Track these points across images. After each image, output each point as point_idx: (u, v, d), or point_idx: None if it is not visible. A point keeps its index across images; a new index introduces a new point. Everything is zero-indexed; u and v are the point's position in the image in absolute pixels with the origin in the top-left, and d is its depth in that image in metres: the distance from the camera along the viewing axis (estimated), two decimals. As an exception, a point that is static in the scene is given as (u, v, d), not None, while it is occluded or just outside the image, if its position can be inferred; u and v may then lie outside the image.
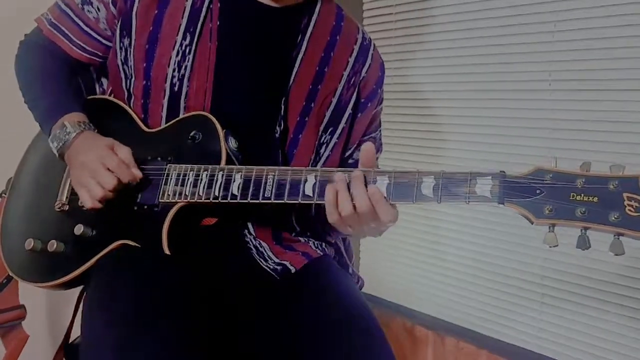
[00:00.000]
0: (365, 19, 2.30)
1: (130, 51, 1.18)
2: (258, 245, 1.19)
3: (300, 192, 1.01)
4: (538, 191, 0.89)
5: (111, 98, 1.25)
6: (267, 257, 1.18)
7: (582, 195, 0.86)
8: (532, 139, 1.77)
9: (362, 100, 1.26)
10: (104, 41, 1.22)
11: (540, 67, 1.74)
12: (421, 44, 2.08)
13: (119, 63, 1.21)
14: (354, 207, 0.98)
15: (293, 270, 1.18)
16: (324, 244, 1.28)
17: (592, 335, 1.70)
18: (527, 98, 1.78)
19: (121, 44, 1.19)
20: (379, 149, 1.35)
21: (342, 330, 1.08)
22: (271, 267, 1.17)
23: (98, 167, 1.08)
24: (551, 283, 1.78)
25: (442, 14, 2.00)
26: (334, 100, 1.22)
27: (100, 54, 1.24)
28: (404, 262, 2.21)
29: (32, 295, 1.51)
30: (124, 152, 1.10)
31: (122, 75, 1.21)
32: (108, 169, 1.08)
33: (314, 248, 1.25)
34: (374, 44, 1.30)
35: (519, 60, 1.79)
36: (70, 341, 1.27)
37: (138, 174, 1.10)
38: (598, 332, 1.69)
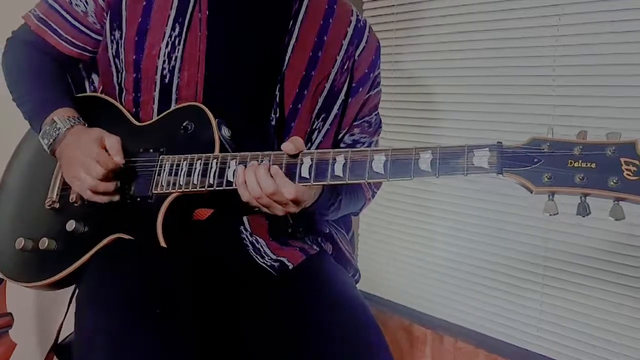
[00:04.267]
0: (366, 3, 2.33)
1: (121, 44, 1.17)
2: (254, 242, 1.18)
3: (297, 174, 1.01)
4: (536, 160, 0.89)
5: (101, 95, 1.24)
6: (263, 254, 1.17)
7: (580, 162, 0.87)
8: (534, 117, 1.78)
9: (354, 84, 1.25)
10: (93, 35, 1.21)
11: (544, 60, 1.76)
12: (422, 36, 2.10)
13: (110, 57, 1.20)
14: (260, 187, 1.00)
15: (291, 267, 1.17)
16: (319, 239, 1.26)
17: (593, 335, 1.69)
18: (530, 93, 1.80)
19: (112, 37, 1.19)
20: (376, 131, 1.35)
21: (339, 328, 1.07)
22: (268, 263, 1.16)
23: (85, 159, 1.08)
24: (551, 282, 1.77)
25: (443, 6, 2.02)
26: (327, 86, 1.22)
27: (90, 48, 1.23)
28: (401, 260, 2.21)
29: (19, 302, 1.49)
30: (112, 141, 1.10)
31: (114, 70, 1.20)
32: (94, 160, 1.08)
33: (310, 244, 1.24)
34: (370, 26, 1.29)
35: (523, 53, 1.81)
36: (60, 341, 1.24)
37: (120, 160, 1.09)
38: (599, 333, 1.68)
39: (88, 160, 1.08)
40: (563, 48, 1.71)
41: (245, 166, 1.03)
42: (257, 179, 1.00)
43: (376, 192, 1.35)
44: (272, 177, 1.00)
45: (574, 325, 1.73)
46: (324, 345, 1.04)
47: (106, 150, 1.10)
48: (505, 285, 1.89)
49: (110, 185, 1.10)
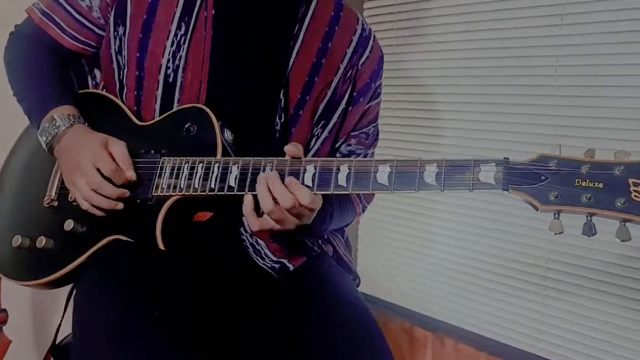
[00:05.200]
0: (366, 2, 2.30)
1: (124, 40, 1.16)
2: (255, 244, 1.17)
3: (300, 182, 0.99)
4: (543, 177, 0.87)
5: (102, 92, 1.23)
6: (264, 256, 1.16)
7: (588, 181, 0.85)
8: (536, 126, 1.77)
9: (355, 94, 1.24)
10: (96, 30, 1.20)
11: (546, 60, 1.74)
12: (423, 36, 2.09)
13: (113, 53, 1.18)
14: (275, 201, 0.98)
15: (291, 268, 1.16)
16: (320, 241, 1.26)
17: (596, 338, 1.68)
18: (532, 93, 1.78)
19: (115, 33, 1.17)
20: (373, 144, 1.34)
21: (340, 328, 1.07)
22: (269, 265, 1.16)
23: (92, 172, 1.06)
24: (553, 284, 1.76)
25: (445, 5, 2.00)
26: (329, 94, 1.21)
27: (93, 44, 1.21)
28: (402, 261, 2.20)
29: (14, 298, 1.48)
30: (119, 151, 1.08)
31: (115, 66, 1.19)
32: (102, 174, 1.07)
33: (311, 245, 1.23)
34: (374, 36, 1.28)
35: (524, 52, 1.79)
36: (58, 342, 1.23)
37: (132, 177, 1.08)
38: (603, 335, 1.67)
39: (94, 175, 1.07)
40: (566, 48, 1.70)
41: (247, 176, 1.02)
42: (272, 195, 0.98)
43: (367, 207, 1.33)
44: (290, 191, 0.98)
45: (575, 328, 1.72)
46: (326, 347, 1.04)
47: (111, 157, 1.08)
48: (507, 287, 1.88)
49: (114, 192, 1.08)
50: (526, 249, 1.82)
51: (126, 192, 1.08)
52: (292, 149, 1.01)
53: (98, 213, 1.08)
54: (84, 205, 1.08)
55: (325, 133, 1.23)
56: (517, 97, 1.82)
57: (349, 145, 1.28)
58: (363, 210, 1.33)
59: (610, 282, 1.64)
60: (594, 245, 1.65)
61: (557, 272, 1.75)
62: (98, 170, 1.07)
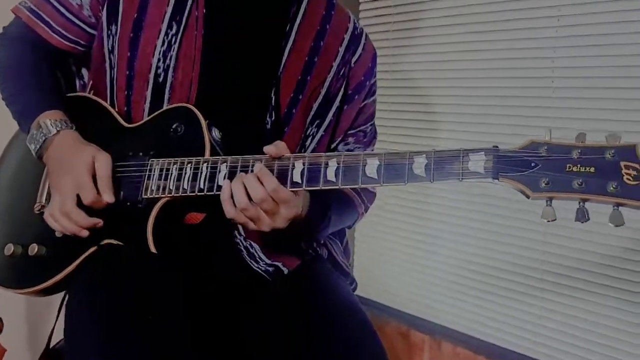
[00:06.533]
0: (362, 3, 2.31)
1: (116, 39, 1.16)
2: (249, 246, 1.16)
3: (289, 179, 0.99)
4: (533, 164, 0.87)
5: (89, 95, 1.22)
6: (258, 259, 1.15)
7: (579, 166, 0.85)
8: (533, 128, 1.76)
9: (350, 92, 1.25)
10: (87, 29, 1.19)
11: (543, 62, 1.74)
12: (418, 37, 2.09)
13: (106, 52, 1.18)
14: (249, 197, 0.98)
15: (286, 271, 1.15)
16: (315, 244, 1.25)
17: (594, 341, 1.67)
18: (529, 95, 1.78)
19: (109, 32, 1.17)
20: (371, 142, 1.34)
21: (335, 332, 1.06)
22: (263, 268, 1.15)
23: (70, 202, 1.06)
24: (550, 287, 1.75)
25: (442, 7, 2.01)
26: (323, 92, 1.21)
27: (83, 42, 1.21)
28: (398, 264, 2.18)
29: (9, 306, 1.47)
30: (102, 170, 1.06)
31: (107, 65, 1.18)
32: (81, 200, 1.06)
33: (305, 248, 1.22)
34: (367, 34, 1.29)
35: (521, 55, 1.79)
36: (51, 346, 1.22)
37: (110, 200, 1.06)
38: (601, 338, 1.65)
39: (72, 206, 1.06)
40: (563, 49, 1.70)
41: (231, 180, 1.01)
42: (245, 189, 0.98)
43: (369, 207, 1.33)
44: (261, 183, 0.98)
45: (573, 331, 1.71)
46: (322, 351, 1.03)
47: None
48: (505, 290, 1.86)
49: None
50: (522, 251, 1.81)
51: (99, 223, 1.06)
52: (272, 149, 1.01)
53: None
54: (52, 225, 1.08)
55: (321, 132, 1.23)
56: (514, 99, 1.81)
57: (347, 144, 1.29)
58: (365, 211, 1.32)
59: (608, 285, 1.63)
60: (591, 247, 1.64)
61: (554, 275, 1.74)
62: (76, 198, 1.06)
